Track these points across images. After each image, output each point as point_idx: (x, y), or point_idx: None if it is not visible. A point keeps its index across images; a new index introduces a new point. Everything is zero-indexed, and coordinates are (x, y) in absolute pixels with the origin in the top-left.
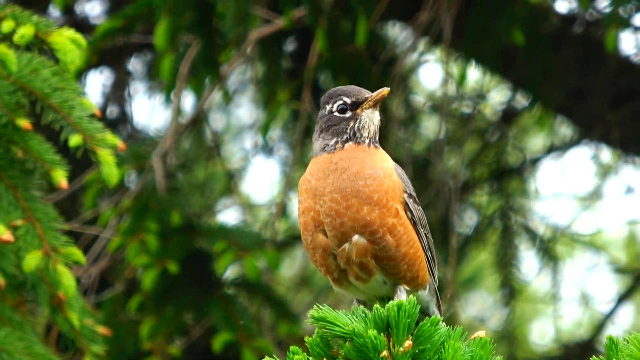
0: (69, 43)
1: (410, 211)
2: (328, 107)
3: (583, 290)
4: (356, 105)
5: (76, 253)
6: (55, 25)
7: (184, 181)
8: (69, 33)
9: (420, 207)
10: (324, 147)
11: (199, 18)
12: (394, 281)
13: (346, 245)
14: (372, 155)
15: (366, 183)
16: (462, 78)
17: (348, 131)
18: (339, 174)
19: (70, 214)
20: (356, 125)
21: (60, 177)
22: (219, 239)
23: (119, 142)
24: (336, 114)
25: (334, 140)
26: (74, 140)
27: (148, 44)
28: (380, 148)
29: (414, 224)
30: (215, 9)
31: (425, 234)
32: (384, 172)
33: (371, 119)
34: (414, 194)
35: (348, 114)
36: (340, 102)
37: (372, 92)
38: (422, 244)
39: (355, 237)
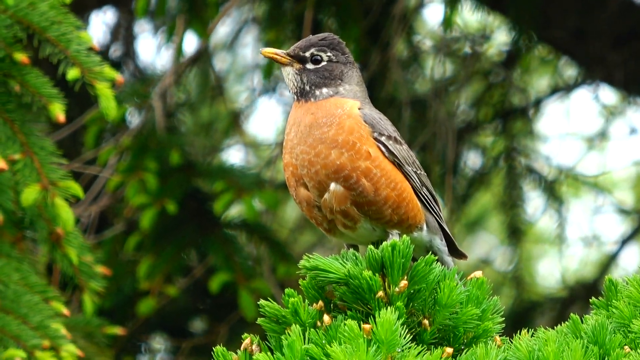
0: None
1: (391, 152)
2: None
3: (588, 232)
4: None
5: (74, 187)
6: None
7: (189, 121)
8: None
9: (405, 147)
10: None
11: None
12: (381, 226)
13: (326, 195)
14: (318, 106)
15: (322, 130)
16: (450, 18)
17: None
18: (297, 126)
19: (71, 153)
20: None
21: (58, 111)
22: (217, 179)
23: (117, 76)
24: None
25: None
26: (72, 73)
27: None
28: (337, 95)
29: (399, 166)
30: None
31: (415, 172)
32: (340, 116)
33: (285, 75)
34: (395, 134)
35: None
36: None
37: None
38: (412, 183)
39: (332, 186)
